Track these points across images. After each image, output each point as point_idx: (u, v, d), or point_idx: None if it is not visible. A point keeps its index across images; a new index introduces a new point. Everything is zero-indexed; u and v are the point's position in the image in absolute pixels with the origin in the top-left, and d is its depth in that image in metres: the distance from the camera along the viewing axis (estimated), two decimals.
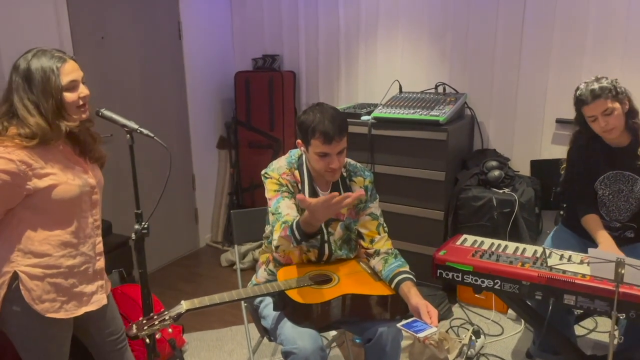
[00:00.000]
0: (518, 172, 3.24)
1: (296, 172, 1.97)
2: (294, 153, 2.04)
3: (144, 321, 1.73)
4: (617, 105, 2.08)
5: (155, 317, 1.75)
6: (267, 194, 1.98)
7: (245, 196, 4.19)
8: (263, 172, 2.01)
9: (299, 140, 1.95)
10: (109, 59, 3.28)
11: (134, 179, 1.77)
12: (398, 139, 3.12)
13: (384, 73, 3.62)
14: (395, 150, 3.15)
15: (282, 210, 1.90)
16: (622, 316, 1.80)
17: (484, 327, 2.94)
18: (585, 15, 2.97)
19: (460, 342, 2.70)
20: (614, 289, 1.74)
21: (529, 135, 3.27)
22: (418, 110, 3.11)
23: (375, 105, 3.42)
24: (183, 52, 3.81)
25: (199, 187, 4.11)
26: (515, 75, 3.23)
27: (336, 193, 1.69)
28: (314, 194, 1.97)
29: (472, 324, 2.97)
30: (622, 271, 1.70)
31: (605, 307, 1.84)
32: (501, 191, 3.02)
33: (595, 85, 2.09)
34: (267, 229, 2.09)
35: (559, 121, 3.13)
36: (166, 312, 1.77)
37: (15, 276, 1.65)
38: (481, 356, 2.70)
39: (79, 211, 1.75)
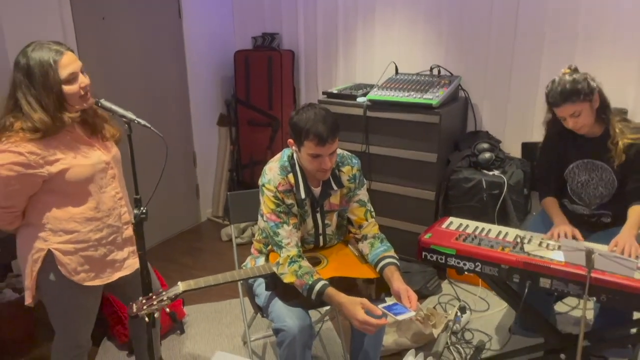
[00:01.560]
0: (509, 154, 3.32)
1: (290, 177, 2.02)
2: (285, 154, 2.08)
3: (144, 301, 1.86)
4: (585, 105, 2.14)
5: (154, 297, 1.88)
6: (264, 209, 2.02)
7: (245, 172, 4.29)
8: (260, 183, 2.05)
9: (290, 140, 2.00)
10: (109, 39, 3.34)
11: (132, 166, 1.86)
12: (392, 121, 3.19)
13: (381, 54, 3.67)
14: (389, 132, 3.23)
15: (283, 239, 1.97)
16: (594, 299, 1.92)
17: (470, 303, 3.07)
18: (577, 1, 2.99)
19: (446, 317, 2.83)
20: (586, 274, 1.84)
21: (521, 118, 3.33)
22: (412, 92, 3.17)
23: (372, 86, 3.48)
24: (183, 30, 3.85)
25: (200, 164, 4.22)
26: (509, 58, 3.27)
27: (375, 321, 1.77)
28: (308, 192, 2.05)
29: (459, 300, 3.11)
30: (593, 258, 1.80)
31: (578, 291, 1.94)
32: (491, 173, 3.10)
33: (566, 86, 2.13)
34: (260, 222, 2.18)
35: None
36: (164, 293, 1.89)
37: (49, 253, 1.81)
38: (466, 331, 2.83)
39: (97, 188, 1.88)
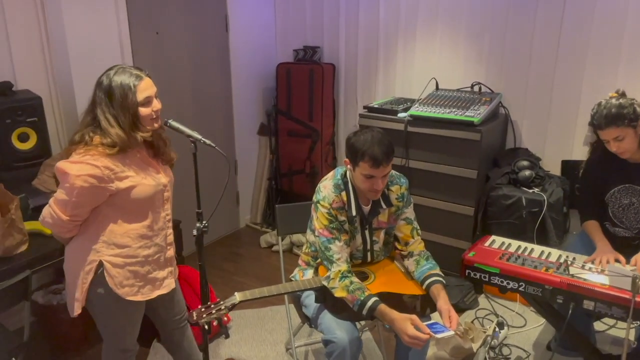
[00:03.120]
0: (549, 171, 3.35)
1: (343, 194, 2.11)
2: (339, 172, 2.18)
3: (203, 309, 1.98)
4: (629, 131, 2.18)
5: (213, 306, 2.00)
6: (317, 224, 2.12)
7: (284, 181, 4.41)
8: (315, 199, 2.15)
9: (346, 160, 2.10)
10: (162, 53, 3.51)
11: (196, 183, 2.00)
12: (433, 137, 3.26)
13: (421, 69, 3.74)
14: (429, 147, 3.30)
15: (335, 254, 2.07)
16: (637, 323, 1.96)
17: (507, 318, 3.11)
18: (622, 21, 3.01)
19: (485, 332, 2.88)
20: (631, 298, 1.89)
21: (561, 136, 3.36)
22: (454, 109, 3.23)
23: (412, 101, 3.55)
24: (229, 43, 3.99)
25: (240, 171, 4.35)
26: (550, 76, 3.31)
27: (424, 336, 1.85)
28: (359, 210, 2.14)
29: (496, 315, 3.15)
30: (639, 283, 1.85)
31: (622, 314, 1.99)
32: (531, 191, 3.14)
33: (611, 110, 2.17)
34: (309, 236, 2.29)
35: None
36: (222, 303, 2.01)
37: (100, 264, 1.93)
38: (504, 346, 2.88)
39: (154, 207, 2.00)
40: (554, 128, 3.38)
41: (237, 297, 2.03)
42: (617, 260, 2.22)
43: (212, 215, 2.02)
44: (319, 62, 4.10)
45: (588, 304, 2.05)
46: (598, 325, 2.95)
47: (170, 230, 2.13)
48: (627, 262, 2.25)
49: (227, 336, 3.00)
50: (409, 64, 3.81)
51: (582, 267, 2.20)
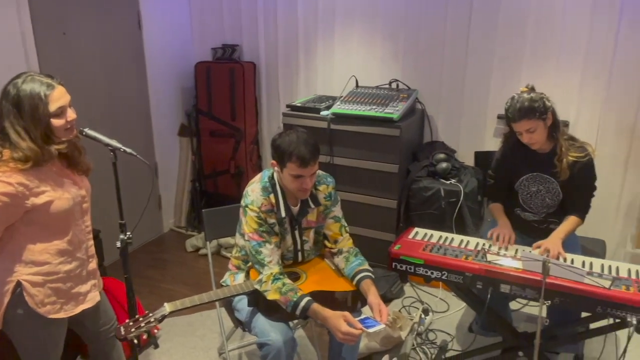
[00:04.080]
0: (463, 162, 3.54)
1: (271, 197, 2.12)
2: (266, 175, 2.18)
3: (131, 323, 1.91)
4: (540, 123, 2.35)
5: (141, 319, 1.93)
6: (247, 228, 2.11)
7: (208, 182, 4.33)
8: (243, 204, 2.14)
9: (273, 161, 2.10)
10: (71, 54, 3.31)
11: (117, 193, 1.91)
12: (355, 134, 3.34)
13: (341, 67, 3.80)
14: (352, 144, 3.38)
15: (266, 257, 2.08)
16: (549, 302, 2.13)
17: (432, 304, 3.27)
18: (524, 22, 3.24)
19: (412, 320, 3.01)
20: (542, 279, 2.05)
21: (474, 129, 3.56)
22: (374, 106, 3.32)
23: (334, 98, 3.61)
24: (143, 42, 3.84)
25: (162, 174, 4.21)
26: (461, 73, 3.49)
27: (356, 332, 1.91)
28: (288, 211, 2.16)
29: (421, 302, 3.30)
30: (549, 266, 2.01)
31: (534, 295, 2.15)
32: (448, 182, 3.31)
33: (524, 104, 2.33)
34: (239, 240, 2.27)
35: (500, 117, 3.43)
36: (151, 315, 1.95)
37: (18, 284, 1.81)
38: (430, 332, 3.02)
39: (73, 220, 1.90)
40: (467, 122, 3.58)
41: (167, 308, 1.98)
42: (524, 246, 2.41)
43: (136, 226, 1.95)
44: (239, 61, 4.06)
45: (504, 288, 2.20)
46: (513, 305, 3.17)
47: (91, 242, 2.03)
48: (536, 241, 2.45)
49: (157, 346, 2.84)
50: (329, 63, 3.87)
51: (498, 253, 2.36)
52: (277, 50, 4.02)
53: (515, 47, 3.31)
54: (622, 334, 2.06)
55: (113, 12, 3.58)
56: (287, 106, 3.64)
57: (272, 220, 2.12)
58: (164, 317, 1.97)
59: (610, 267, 2.24)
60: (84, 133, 1.86)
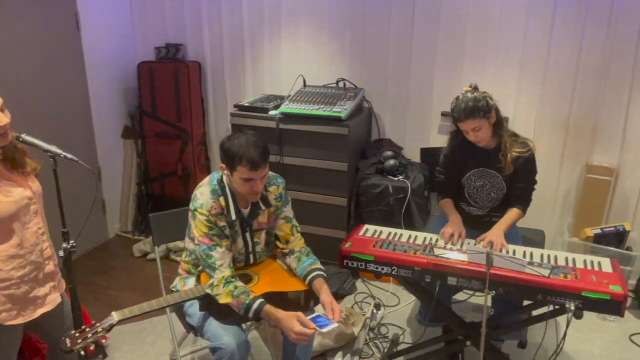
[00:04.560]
0: (410, 159, 3.62)
1: (221, 200, 2.09)
2: (215, 177, 2.15)
3: (77, 334, 1.85)
4: (484, 122, 2.45)
5: (88, 329, 1.87)
6: (196, 232, 2.07)
7: (154, 185, 4.22)
8: (192, 207, 2.10)
9: (222, 165, 2.07)
10: (4, 56, 3.15)
11: (58, 200, 1.84)
12: (304, 133, 3.35)
13: (289, 66, 3.80)
14: (301, 143, 3.39)
15: (217, 260, 2.05)
16: (493, 292, 2.22)
17: (383, 299, 3.33)
18: (464, 23, 3.35)
19: (364, 315, 3.06)
20: (486, 271, 2.13)
21: (419, 126, 3.65)
22: (322, 105, 3.35)
23: (282, 98, 3.61)
24: (82, 42, 3.70)
25: (105, 178, 4.08)
26: (406, 72, 3.57)
27: (310, 331, 1.92)
28: (238, 214, 2.14)
29: (373, 297, 3.36)
30: (492, 258, 2.10)
31: (480, 286, 2.23)
32: (396, 179, 3.38)
33: (468, 104, 2.41)
34: (188, 244, 2.24)
35: (444, 114, 3.54)
36: (98, 325, 1.89)
37: None
38: (382, 326, 3.08)
39: (20, 224, 1.81)
40: (413, 119, 3.66)
41: (115, 316, 1.93)
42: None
43: (80, 233, 1.88)
44: (184, 60, 3.98)
45: (452, 280, 2.27)
46: (460, 295, 3.27)
47: (47, 244, 1.95)
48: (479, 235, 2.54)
49: (105, 356, 2.82)
50: (276, 62, 3.86)
51: (444, 247, 2.43)
52: (223, 50, 3.97)
53: (457, 46, 3.41)
54: (562, 319, 2.16)
55: (48, 12, 3.43)
56: (235, 106, 3.61)
57: (222, 223, 2.10)
58: (112, 326, 1.91)
59: (549, 256, 2.35)
60: (20, 139, 1.77)
